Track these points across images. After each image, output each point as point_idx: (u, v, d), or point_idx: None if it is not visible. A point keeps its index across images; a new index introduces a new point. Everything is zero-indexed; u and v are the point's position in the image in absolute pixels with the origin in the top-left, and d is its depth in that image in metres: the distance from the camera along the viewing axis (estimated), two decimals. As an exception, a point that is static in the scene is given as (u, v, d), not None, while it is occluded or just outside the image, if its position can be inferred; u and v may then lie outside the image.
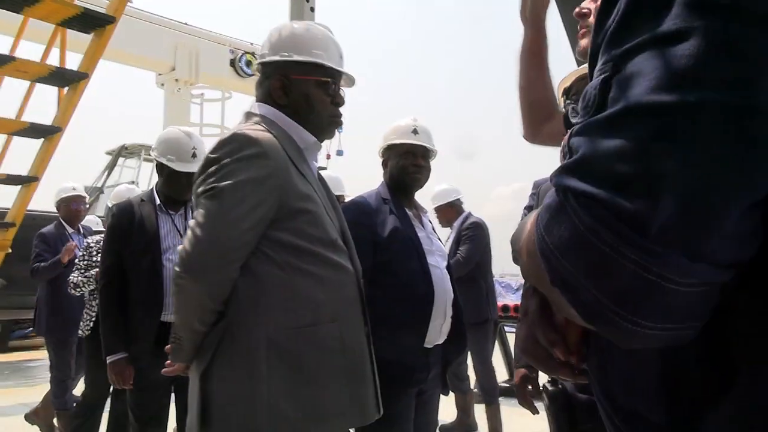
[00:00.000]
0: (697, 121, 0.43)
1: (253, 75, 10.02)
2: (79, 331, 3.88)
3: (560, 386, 1.55)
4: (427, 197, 4.99)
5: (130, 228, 2.70)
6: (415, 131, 2.46)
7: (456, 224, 4.60)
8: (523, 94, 1.47)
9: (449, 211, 4.72)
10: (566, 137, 0.54)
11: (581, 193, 0.48)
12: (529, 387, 2.12)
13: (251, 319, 1.53)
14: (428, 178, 2.51)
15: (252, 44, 10.47)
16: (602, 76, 0.51)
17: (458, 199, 4.72)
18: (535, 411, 2.22)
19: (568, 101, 1.91)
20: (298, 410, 1.52)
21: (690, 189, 0.44)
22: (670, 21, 0.46)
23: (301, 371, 1.54)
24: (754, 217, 0.46)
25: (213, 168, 1.53)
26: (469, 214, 4.61)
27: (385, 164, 2.53)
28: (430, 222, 2.58)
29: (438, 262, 2.38)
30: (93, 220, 5.95)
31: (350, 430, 1.85)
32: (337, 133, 1.81)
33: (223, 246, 1.50)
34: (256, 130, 1.59)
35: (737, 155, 0.43)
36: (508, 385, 5.28)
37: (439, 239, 2.60)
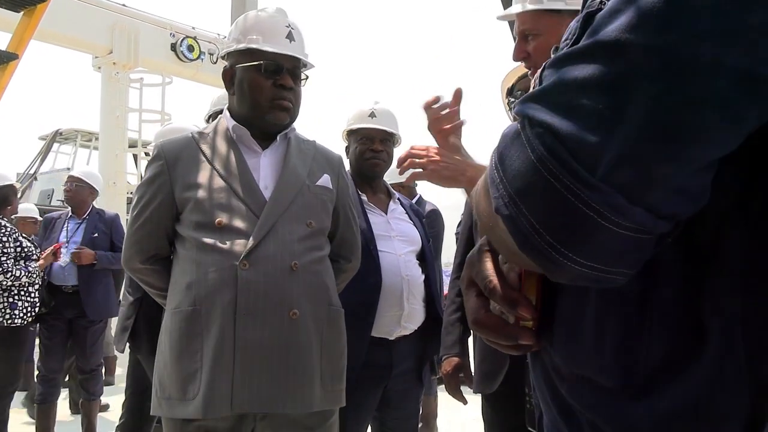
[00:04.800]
0: (658, 67, 0.43)
1: (194, 60, 9.81)
2: (19, 320, 3.71)
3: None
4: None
5: None
6: (372, 115, 2.39)
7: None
8: None
9: (400, 192, 4.34)
10: (539, 70, 0.53)
11: (538, 122, 0.48)
12: (461, 375, 2.09)
13: None
14: (390, 163, 2.43)
15: (194, 28, 10.21)
16: (588, 10, 0.51)
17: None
18: (464, 401, 2.16)
19: (512, 100, 1.94)
20: (162, 390, 1.65)
21: (644, 132, 0.44)
22: None
23: (168, 353, 1.65)
24: (703, 177, 0.46)
25: None
26: (422, 198, 4.35)
27: (347, 150, 2.46)
28: (403, 205, 2.49)
29: (395, 248, 2.28)
30: (30, 209, 5.70)
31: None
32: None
33: (127, 241, 1.78)
34: (174, 132, 1.88)
35: (692, 107, 0.43)
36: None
37: (420, 222, 2.50)
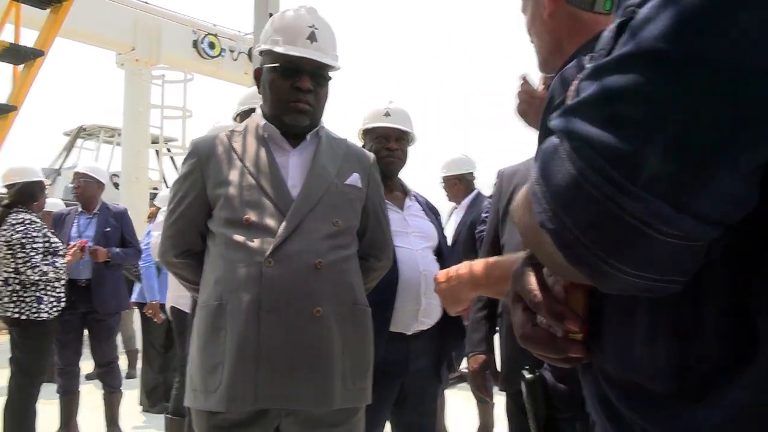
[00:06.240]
0: (698, 74, 0.43)
1: (216, 57, 9.89)
2: (45, 314, 3.75)
3: (538, 373, 1.56)
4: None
5: None
6: (387, 114, 2.41)
7: (466, 203, 4.00)
8: None
9: (457, 186, 4.12)
10: (575, 81, 0.53)
11: (577, 135, 0.48)
12: (487, 372, 2.10)
13: None
14: (405, 161, 2.46)
15: (215, 25, 10.30)
16: (619, 20, 0.50)
17: (470, 173, 4.16)
18: (491, 398, 2.22)
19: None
20: (191, 381, 1.69)
21: (685, 139, 0.43)
22: None
23: (196, 345, 1.69)
24: (750, 181, 0.45)
25: None
26: (480, 194, 4.01)
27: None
28: (419, 202, 2.50)
29: (412, 243, 2.30)
30: (57, 204, 5.77)
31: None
32: None
33: (162, 235, 1.81)
34: (212, 130, 1.84)
35: (735, 113, 0.42)
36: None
37: (437, 219, 2.51)
